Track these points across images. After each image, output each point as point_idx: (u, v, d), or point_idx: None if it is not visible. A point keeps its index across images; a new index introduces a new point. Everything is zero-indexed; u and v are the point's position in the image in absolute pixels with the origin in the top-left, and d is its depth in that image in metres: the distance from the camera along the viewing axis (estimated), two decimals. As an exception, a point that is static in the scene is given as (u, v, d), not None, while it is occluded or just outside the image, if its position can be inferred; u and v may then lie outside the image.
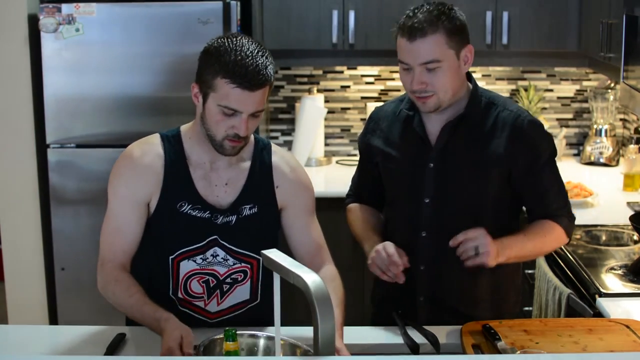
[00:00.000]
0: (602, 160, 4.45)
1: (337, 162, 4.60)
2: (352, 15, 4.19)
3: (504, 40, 4.18)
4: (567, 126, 4.66)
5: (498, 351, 2.08)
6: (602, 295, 2.65)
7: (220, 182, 2.31)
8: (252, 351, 2.14)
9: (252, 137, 2.35)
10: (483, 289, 2.47)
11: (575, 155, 4.67)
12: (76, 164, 4.02)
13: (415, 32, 2.30)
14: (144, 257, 2.31)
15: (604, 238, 3.28)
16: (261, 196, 2.33)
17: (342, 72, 4.63)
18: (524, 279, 3.45)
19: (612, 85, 4.38)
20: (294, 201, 2.37)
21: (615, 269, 2.87)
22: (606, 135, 4.45)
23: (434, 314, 2.45)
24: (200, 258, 2.30)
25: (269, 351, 2.11)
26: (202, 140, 2.28)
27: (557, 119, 4.66)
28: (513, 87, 4.63)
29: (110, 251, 2.28)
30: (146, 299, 2.18)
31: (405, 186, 2.52)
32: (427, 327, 2.24)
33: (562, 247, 3.10)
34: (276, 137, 4.69)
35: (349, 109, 4.68)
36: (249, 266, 2.33)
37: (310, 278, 1.85)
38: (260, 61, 2.15)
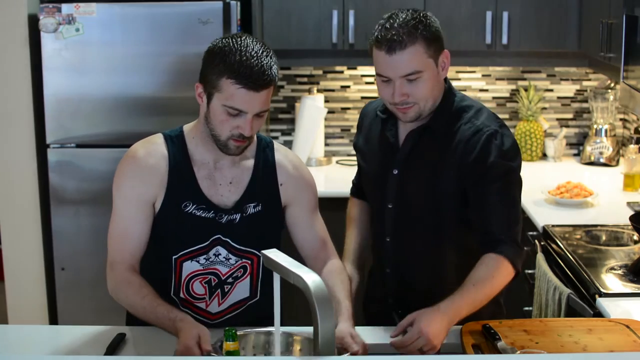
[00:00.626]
0: (602, 160, 4.45)
1: (337, 162, 4.60)
2: (352, 15, 4.19)
3: (504, 40, 4.18)
4: (567, 126, 4.66)
5: (498, 351, 2.08)
6: (602, 295, 2.65)
7: (224, 181, 2.31)
8: (264, 348, 2.14)
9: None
10: (450, 294, 2.35)
11: (575, 155, 4.68)
12: (76, 164, 4.02)
13: (394, 44, 2.26)
14: (145, 257, 2.31)
15: (604, 238, 3.28)
16: (265, 194, 2.34)
17: (342, 72, 4.63)
18: (523, 280, 3.46)
19: (612, 85, 4.38)
20: (298, 198, 2.39)
21: (615, 269, 2.87)
22: (606, 135, 4.45)
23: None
24: (204, 258, 2.30)
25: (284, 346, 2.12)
26: (206, 140, 2.28)
27: (557, 119, 4.66)
28: (513, 87, 4.63)
29: (119, 253, 2.28)
30: (159, 299, 2.18)
31: (372, 189, 2.55)
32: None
33: (562, 247, 3.10)
34: (276, 137, 4.69)
35: (349, 109, 4.68)
36: (249, 262, 2.34)
37: (310, 278, 1.85)
38: (265, 61, 2.15)
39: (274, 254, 1.99)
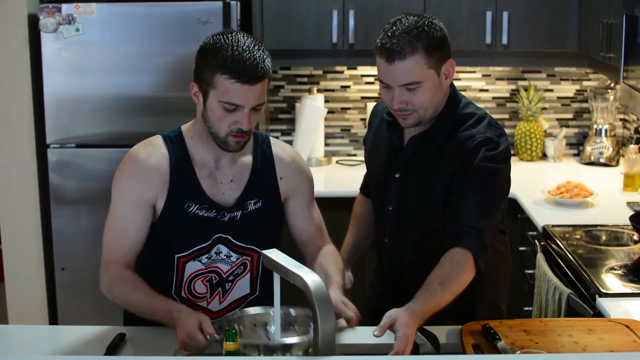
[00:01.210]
0: (602, 160, 4.45)
1: (337, 162, 4.60)
2: (352, 15, 4.19)
3: (504, 40, 4.18)
4: (567, 126, 4.66)
5: (498, 351, 2.08)
6: (602, 295, 2.65)
7: (225, 179, 2.32)
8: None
9: None
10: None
11: (575, 155, 4.67)
12: (76, 164, 4.02)
13: (393, 54, 2.25)
14: (146, 258, 2.31)
15: (604, 238, 3.28)
16: (265, 189, 2.35)
17: (342, 72, 4.63)
18: (523, 280, 3.46)
19: (612, 85, 4.38)
20: (297, 191, 2.41)
21: (615, 269, 2.87)
22: (606, 135, 4.45)
23: None
24: (206, 257, 2.31)
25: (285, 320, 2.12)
26: (205, 139, 2.29)
27: (557, 119, 4.66)
28: (513, 87, 4.63)
29: (114, 252, 2.28)
30: (153, 292, 2.19)
31: (375, 190, 2.56)
32: (427, 327, 2.23)
33: (562, 247, 3.10)
34: (276, 137, 4.67)
35: (349, 109, 4.68)
36: (249, 259, 2.35)
37: (310, 278, 1.86)
38: (257, 55, 2.17)
39: (274, 254, 1.99)
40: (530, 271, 3.36)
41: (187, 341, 2.01)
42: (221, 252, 2.31)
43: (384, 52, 2.27)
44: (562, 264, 3.05)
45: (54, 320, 4.15)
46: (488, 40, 4.19)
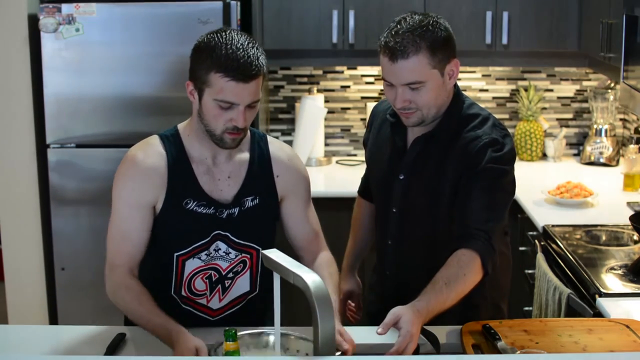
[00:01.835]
0: (602, 160, 4.45)
1: (337, 162, 4.60)
2: (352, 15, 4.19)
3: (504, 40, 4.18)
4: (567, 126, 4.66)
5: (498, 351, 2.08)
6: (602, 295, 2.65)
7: (222, 176, 2.32)
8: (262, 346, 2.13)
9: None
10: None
11: (575, 155, 4.68)
12: (76, 164, 4.02)
13: (396, 53, 2.24)
14: (145, 257, 2.31)
15: (604, 238, 3.28)
16: (262, 187, 2.36)
17: (342, 72, 4.63)
18: (523, 280, 3.46)
19: (612, 85, 4.38)
20: (294, 190, 2.41)
21: (615, 269, 2.87)
22: (606, 135, 4.45)
23: None
24: (205, 254, 2.31)
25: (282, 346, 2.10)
26: (201, 137, 2.29)
27: (557, 119, 4.66)
28: (513, 87, 4.63)
29: (119, 256, 2.28)
30: (156, 309, 2.18)
31: (378, 192, 2.55)
32: (427, 327, 2.23)
33: (562, 247, 3.10)
34: (276, 137, 4.68)
35: (349, 109, 4.68)
36: (248, 256, 2.35)
37: (311, 278, 1.86)
38: (251, 52, 2.17)
39: (274, 254, 1.99)
40: (530, 271, 3.36)
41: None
42: (220, 249, 2.32)
43: (388, 51, 2.26)
44: (562, 264, 3.05)
45: (54, 320, 4.15)
46: (488, 40, 4.19)
